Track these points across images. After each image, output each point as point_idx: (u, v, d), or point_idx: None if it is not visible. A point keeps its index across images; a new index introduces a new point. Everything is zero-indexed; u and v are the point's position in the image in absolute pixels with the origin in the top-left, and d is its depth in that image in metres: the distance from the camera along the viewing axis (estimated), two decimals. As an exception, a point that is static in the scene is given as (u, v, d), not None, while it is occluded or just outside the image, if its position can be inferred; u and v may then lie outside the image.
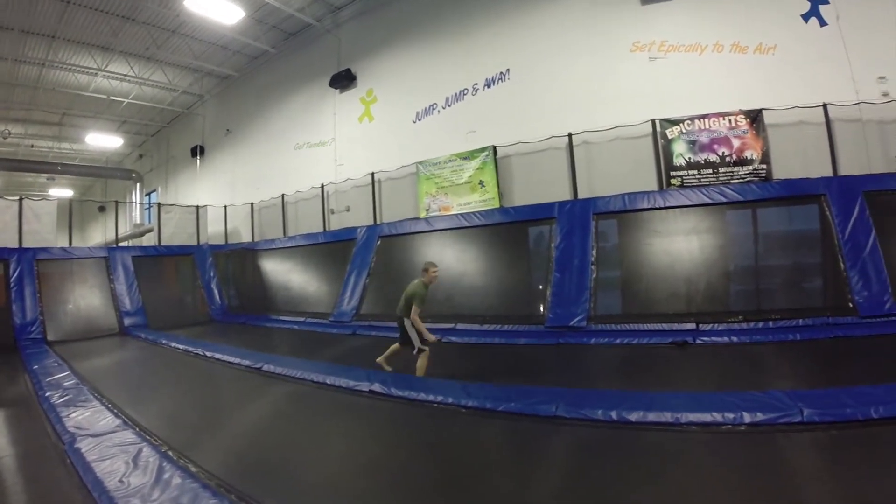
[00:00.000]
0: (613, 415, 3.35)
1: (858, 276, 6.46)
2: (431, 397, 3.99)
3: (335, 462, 3.13)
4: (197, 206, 13.52)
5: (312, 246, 10.97)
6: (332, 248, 10.43)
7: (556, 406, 3.53)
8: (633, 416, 3.30)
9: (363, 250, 9.76)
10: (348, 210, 10.93)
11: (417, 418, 3.73)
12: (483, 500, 2.53)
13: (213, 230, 13.65)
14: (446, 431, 3.47)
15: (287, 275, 11.43)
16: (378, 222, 10.25)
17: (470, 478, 2.79)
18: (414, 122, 10.27)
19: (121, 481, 2.72)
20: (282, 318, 10.42)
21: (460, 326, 7.58)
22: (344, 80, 11.15)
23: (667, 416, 3.25)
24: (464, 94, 9.71)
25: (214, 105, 15.32)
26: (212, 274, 12.51)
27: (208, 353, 6.74)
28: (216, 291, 12.37)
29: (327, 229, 11.15)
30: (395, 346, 5.40)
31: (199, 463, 3.01)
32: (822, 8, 8.54)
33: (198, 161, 15.42)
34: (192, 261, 12.40)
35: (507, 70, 9.30)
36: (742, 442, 2.95)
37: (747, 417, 3.15)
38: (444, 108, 9.93)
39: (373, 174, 10.35)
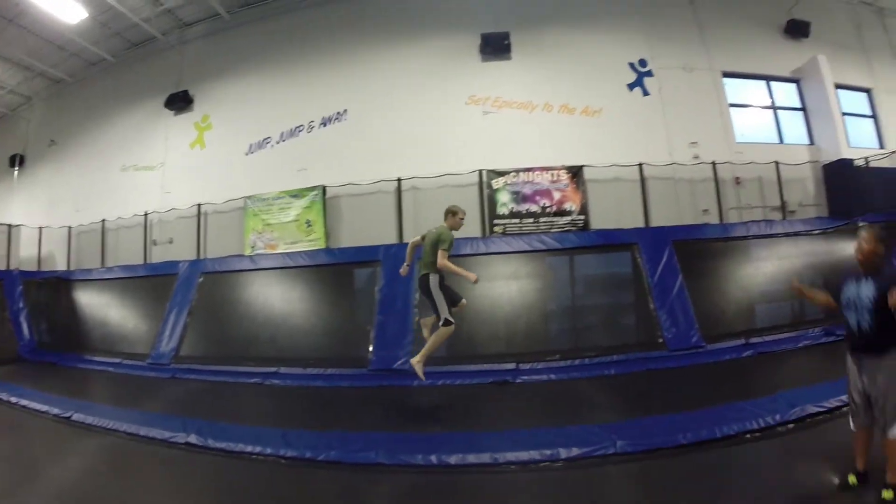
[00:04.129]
0: (433, 458, 3.35)
1: (667, 315, 7.09)
2: (250, 448, 3.83)
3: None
4: (10, 225, 11.58)
5: (132, 279, 9.83)
6: (153, 283, 9.42)
7: (375, 452, 3.50)
8: (453, 459, 3.33)
9: (184, 286, 8.95)
10: (171, 242, 9.93)
11: (236, 471, 3.59)
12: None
13: (27, 254, 11.74)
14: (265, 485, 3.33)
15: (104, 310, 10.13)
16: (202, 257, 9.45)
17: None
18: (246, 154, 9.73)
19: None
20: (96, 358, 9.21)
21: (283, 370, 7.33)
22: (180, 102, 10.29)
23: (486, 458, 3.32)
24: (299, 131, 9.42)
25: (42, 110, 13.44)
26: (21, 304, 10.64)
27: (13, 399, 6.03)
28: (25, 325, 10.51)
29: (148, 261, 10.07)
30: (425, 322, 4.70)
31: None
32: (646, 80, 9.37)
33: (16, 172, 13.33)
34: (0, 288, 10.53)
35: (345, 110, 9.20)
36: (558, 477, 3.07)
37: (563, 453, 3.27)
38: (278, 142, 9.53)
39: (199, 206, 9.52)
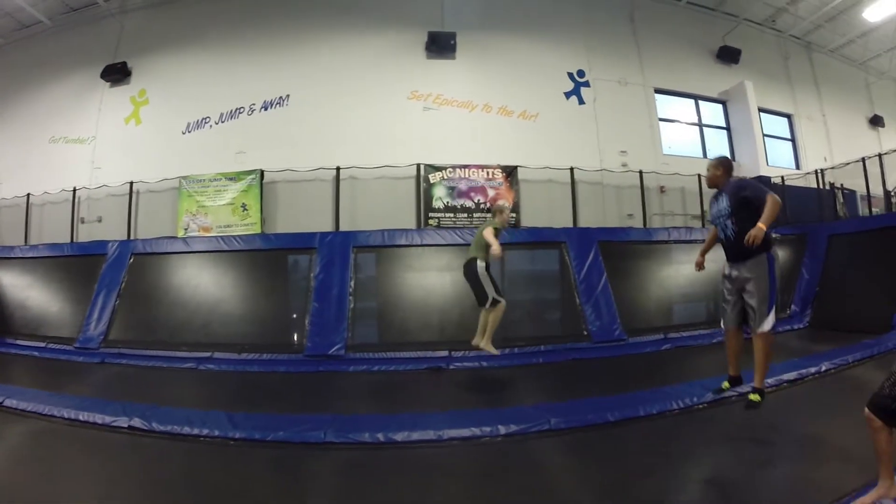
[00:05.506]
0: (381, 436, 3.50)
1: (592, 309, 7.51)
2: (196, 430, 3.80)
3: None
4: (-74, 199, 10.77)
5: (57, 259, 9.32)
6: (80, 263, 8.98)
7: (324, 432, 3.58)
8: (399, 437, 3.49)
9: (114, 268, 8.62)
10: (100, 221, 9.57)
11: (183, 454, 3.56)
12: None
13: (-57, 229, 10.97)
14: (215, 466, 3.34)
15: (26, 291, 9.56)
16: (132, 238, 9.15)
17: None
18: (183, 134, 9.50)
19: None
20: (19, 342, 8.73)
21: (217, 355, 7.23)
22: (118, 74, 9.89)
23: (430, 434, 3.51)
24: (239, 113, 9.31)
25: (-31, 76, 12.62)
26: (-66, 283, 9.94)
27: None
28: (-57, 308, 9.82)
29: (76, 240, 9.65)
30: (483, 313, 4.81)
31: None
32: (583, 90, 9.84)
33: (-64, 140, 12.45)
34: (-89, 265, 9.76)
35: (287, 96, 9.18)
36: (500, 450, 3.35)
37: (502, 429, 3.51)
38: (217, 123, 9.38)
39: (131, 183, 9.23)
